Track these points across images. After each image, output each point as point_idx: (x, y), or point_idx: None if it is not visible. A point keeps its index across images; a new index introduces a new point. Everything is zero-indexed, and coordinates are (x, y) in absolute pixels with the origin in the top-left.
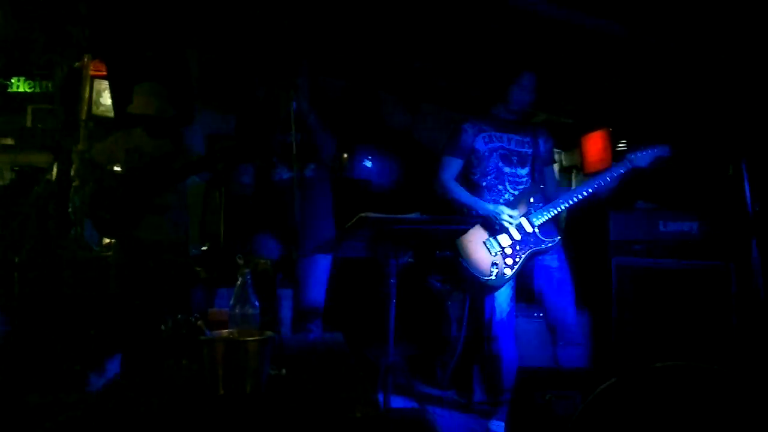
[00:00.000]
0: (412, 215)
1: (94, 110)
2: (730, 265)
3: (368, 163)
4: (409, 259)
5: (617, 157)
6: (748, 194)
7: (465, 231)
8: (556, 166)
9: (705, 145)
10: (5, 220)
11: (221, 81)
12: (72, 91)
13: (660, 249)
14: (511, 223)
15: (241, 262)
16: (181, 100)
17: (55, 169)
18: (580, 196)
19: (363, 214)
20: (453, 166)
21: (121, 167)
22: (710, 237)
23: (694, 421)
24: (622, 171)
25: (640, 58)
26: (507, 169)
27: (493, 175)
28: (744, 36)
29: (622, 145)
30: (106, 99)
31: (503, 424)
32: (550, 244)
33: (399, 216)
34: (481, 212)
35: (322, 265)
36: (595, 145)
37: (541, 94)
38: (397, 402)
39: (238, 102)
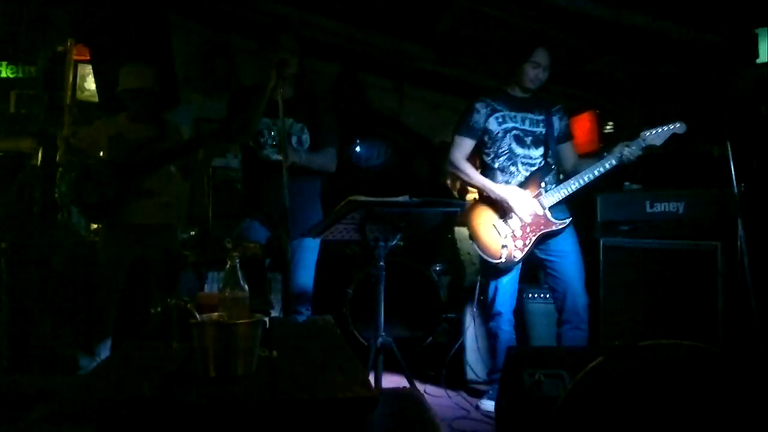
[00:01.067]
0: (401, 198)
1: (78, 95)
2: (717, 245)
3: (357, 147)
4: (399, 242)
5: (605, 138)
6: (733, 174)
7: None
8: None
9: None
10: None
11: (209, 64)
12: (55, 76)
13: (647, 229)
14: (523, 207)
15: (230, 246)
16: (166, 82)
17: (40, 155)
18: (591, 176)
19: (352, 197)
20: (464, 145)
21: (104, 153)
22: (696, 217)
23: (680, 398)
24: (638, 151)
25: (624, 39)
26: (520, 150)
27: (506, 156)
28: (724, 15)
29: (609, 127)
30: (90, 84)
31: (493, 403)
32: (561, 226)
33: (388, 199)
34: (490, 194)
35: (310, 248)
36: (582, 127)
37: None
38: (389, 382)
39: (226, 85)
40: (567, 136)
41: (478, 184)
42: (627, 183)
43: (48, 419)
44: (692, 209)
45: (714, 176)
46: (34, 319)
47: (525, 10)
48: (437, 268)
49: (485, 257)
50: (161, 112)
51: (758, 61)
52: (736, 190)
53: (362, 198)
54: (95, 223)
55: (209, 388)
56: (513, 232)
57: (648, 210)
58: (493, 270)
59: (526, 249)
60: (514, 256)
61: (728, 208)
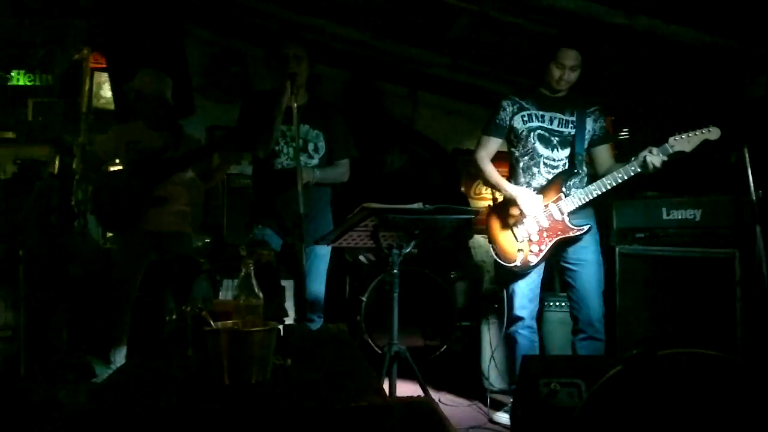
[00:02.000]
0: (415, 205)
1: (95, 103)
2: (734, 253)
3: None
4: (413, 250)
5: (620, 145)
6: (751, 181)
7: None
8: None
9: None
10: (8, 214)
11: (223, 72)
12: (72, 84)
13: (663, 237)
14: (531, 209)
15: (244, 253)
16: (181, 90)
17: (57, 162)
18: (614, 182)
19: (365, 205)
20: (490, 144)
21: (121, 160)
22: (714, 224)
23: (698, 407)
24: (663, 157)
25: (639, 45)
26: (544, 151)
27: (529, 156)
28: (741, 20)
29: (624, 133)
30: (106, 91)
31: (508, 416)
32: (579, 233)
33: (401, 206)
34: (502, 192)
35: (321, 255)
36: None
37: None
38: (404, 391)
39: (239, 93)
40: (603, 138)
41: (492, 182)
42: (643, 190)
43: (64, 428)
44: (709, 216)
45: (731, 183)
46: (50, 327)
47: (538, 15)
48: (452, 276)
49: (501, 261)
50: (176, 120)
51: None
52: (753, 196)
53: (376, 205)
54: (112, 232)
55: (224, 396)
56: (530, 236)
57: (665, 217)
58: (509, 275)
59: (542, 254)
60: (530, 261)
61: (746, 215)
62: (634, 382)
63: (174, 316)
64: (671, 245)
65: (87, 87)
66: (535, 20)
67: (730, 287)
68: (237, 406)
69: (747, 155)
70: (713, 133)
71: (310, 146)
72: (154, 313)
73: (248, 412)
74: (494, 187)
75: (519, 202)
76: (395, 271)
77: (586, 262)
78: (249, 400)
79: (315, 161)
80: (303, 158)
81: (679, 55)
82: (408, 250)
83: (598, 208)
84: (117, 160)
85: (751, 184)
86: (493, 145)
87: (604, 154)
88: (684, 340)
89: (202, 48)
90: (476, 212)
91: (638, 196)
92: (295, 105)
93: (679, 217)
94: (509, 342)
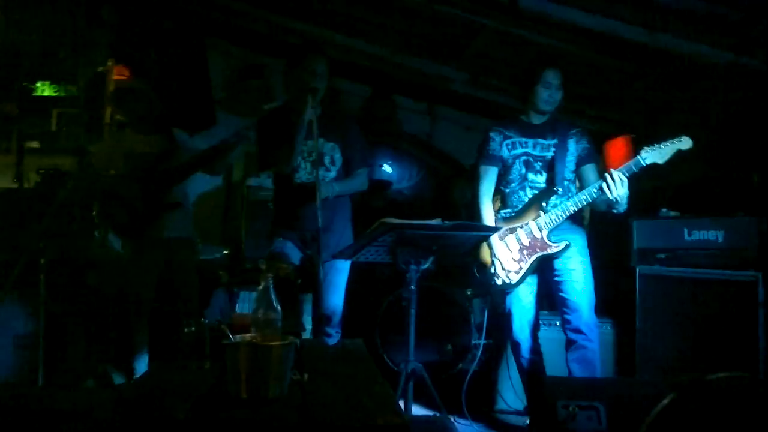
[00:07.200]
0: (434, 221)
1: (117, 114)
2: (758, 276)
3: (387, 168)
4: (431, 266)
5: None
6: None
7: (486, 237)
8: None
9: (730, 153)
10: (31, 223)
11: (243, 85)
12: (96, 96)
13: (684, 258)
14: (495, 245)
15: (263, 267)
16: (203, 102)
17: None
18: (588, 197)
19: (383, 220)
20: (488, 174)
21: (120, 170)
22: (736, 246)
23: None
24: (634, 169)
25: (660, 63)
26: (530, 176)
27: (516, 182)
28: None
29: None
30: None
31: None
32: (556, 249)
33: (420, 222)
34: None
35: (341, 269)
36: (617, 151)
37: (565, 96)
38: (418, 409)
39: (259, 106)
40: (587, 158)
41: (478, 214)
42: (664, 209)
43: None
44: (732, 238)
45: (754, 204)
46: (68, 336)
47: (557, 32)
48: (468, 293)
49: (484, 278)
50: (167, 126)
51: None
52: None
53: (394, 221)
54: (124, 239)
55: (241, 410)
56: (511, 255)
57: (686, 238)
58: (502, 295)
59: (522, 272)
60: (510, 279)
61: None
62: (687, 409)
63: (192, 328)
64: (692, 266)
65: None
66: (555, 37)
67: (753, 311)
68: (254, 421)
69: None
70: (684, 143)
71: (327, 159)
72: (171, 321)
73: (265, 426)
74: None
75: (489, 240)
76: (412, 287)
77: (572, 271)
78: (266, 415)
79: (332, 174)
80: (320, 171)
81: (700, 74)
82: (425, 266)
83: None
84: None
85: None
86: (492, 173)
87: (588, 173)
88: (704, 363)
89: (224, 61)
90: (495, 229)
91: (659, 215)
92: (315, 121)
93: (701, 238)
94: (518, 364)
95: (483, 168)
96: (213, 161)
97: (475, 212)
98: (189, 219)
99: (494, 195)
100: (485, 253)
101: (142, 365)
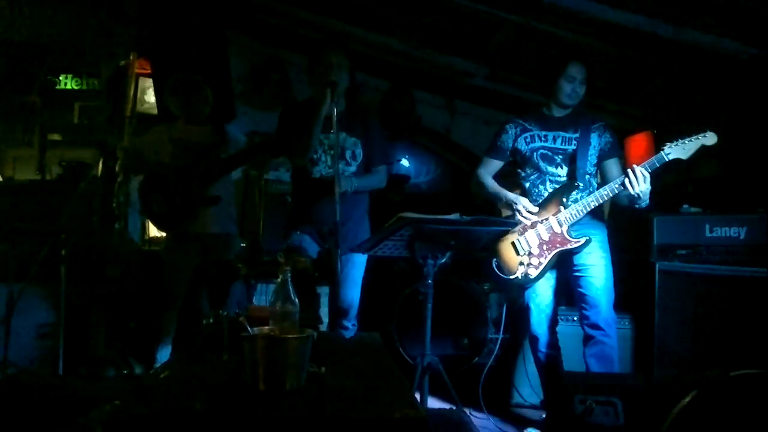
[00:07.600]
0: (452, 216)
1: (138, 107)
2: None
3: (405, 163)
4: (448, 260)
5: None
6: None
7: (505, 233)
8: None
9: (752, 149)
10: (52, 214)
11: (264, 79)
12: (118, 89)
13: (706, 255)
14: (527, 213)
15: (281, 260)
16: (223, 97)
17: (100, 165)
18: (609, 192)
19: (402, 214)
20: (490, 165)
21: (168, 159)
22: (759, 243)
23: None
24: (657, 165)
25: (683, 58)
26: (549, 169)
27: (536, 175)
28: None
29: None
30: (150, 96)
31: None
32: (576, 245)
33: (438, 216)
34: (504, 199)
35: (358, 263)
36: (638, 146)
37: (587, 91)
38: (434, 402)
39: (279, 100)
40: (610, 153)
41: (492, 192)
42: (685, 205)
43: (102, 425)
44: (754, 235)
45: None
46: (89, 325)
47: (579, 26)
48: (486, 287)
49: (501, 274)
50: (218, 121)
51: None
52: None
53: (412, 215)
54: (163, 231)
55: (258, 402)
56: (530, 249)
57: (708, 234)
58: (520, 290)
59: (542, 266)
60: (530, 274)
61: None
62: (710, 405)
63: (211, 320)
64: (714, 263)
65: (132, 92)
66: (577, 32)
67: None
68: (272, 413)
69: None
70: (709, 138)
71: (348, 154)
72: (191, 315)
73: (282, 418)
74: (494, 198)
75: (517, 207)
76: (429, 281)
77: (590, 266)
78: (283, 407)
79: (353, 168)
80: (341, 165)
81: (724, 68)
82: (443, 261)
83: (610, 218)
84: (165, 158)
85: None
86: (493, 166)
87: (611, 167)
88: (724, 359)
89: (244, 56)
90: (514, 224)
91: (680, 211)
92: (335, 113)
93: (722, 235)
94: (535, 358)
95: (486, 158)
96: (256, 156)
97: (483, 192)
98: (229, 214)
99: (514, 188)
100: (504, 248)
101: (164, 355)
